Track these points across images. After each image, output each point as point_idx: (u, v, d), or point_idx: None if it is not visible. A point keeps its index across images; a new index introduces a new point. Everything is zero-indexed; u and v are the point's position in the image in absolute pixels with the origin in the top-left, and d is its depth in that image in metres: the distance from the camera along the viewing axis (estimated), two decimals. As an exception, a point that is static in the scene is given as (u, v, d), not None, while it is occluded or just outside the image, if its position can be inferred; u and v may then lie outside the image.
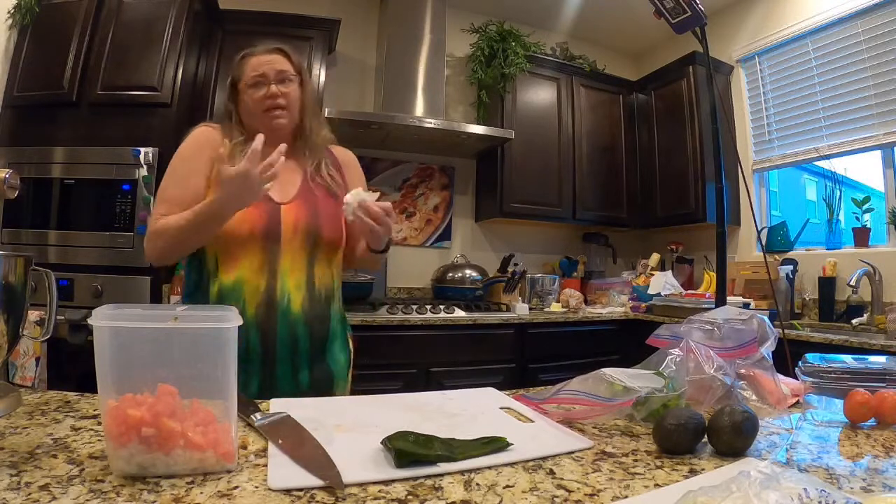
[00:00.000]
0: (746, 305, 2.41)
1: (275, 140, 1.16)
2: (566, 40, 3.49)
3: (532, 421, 0.74)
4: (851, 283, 2.25)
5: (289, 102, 1.14)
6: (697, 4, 1.35)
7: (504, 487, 0.52)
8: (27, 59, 2.17)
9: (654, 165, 3.27)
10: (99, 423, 0.64)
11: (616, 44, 3.72)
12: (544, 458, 0.60)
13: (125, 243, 2.04)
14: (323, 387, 1.08)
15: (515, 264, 2.94)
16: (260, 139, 0.92)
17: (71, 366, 1.68)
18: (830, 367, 0.97)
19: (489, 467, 0.57)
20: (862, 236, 2.49)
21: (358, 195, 1.01)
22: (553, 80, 3.22)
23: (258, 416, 0.68)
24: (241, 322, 0.55)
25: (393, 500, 0.48)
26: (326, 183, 1.16)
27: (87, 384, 0.75)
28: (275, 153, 0.94)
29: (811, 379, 0.96)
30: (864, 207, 2.50)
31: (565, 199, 3.16)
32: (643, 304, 2.87)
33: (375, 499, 0.48)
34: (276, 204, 1.08)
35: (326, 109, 2.50)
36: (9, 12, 2.17)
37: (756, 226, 2.09)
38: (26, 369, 1.67)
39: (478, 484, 0.53)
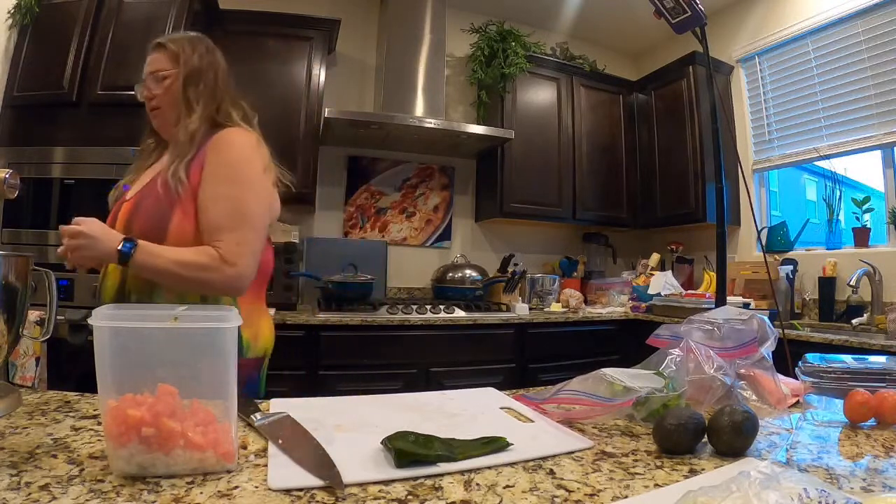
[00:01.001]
0: (746, 305, 2.41)
1: (168, 139, 1.14)
2: (566, 40, 3.49)
3: (532, 421, 0.74)
4: (851, 283, 2.25)
5: (159, 103, 1.11)
6: (697, 4, 1.35)
7: (504, 487, 0.52)
8: (27, 59, 2.17)
9: (654, 165, 3.27)
10: (99, 423, 0.64)
11: (616, 44, 3.72)
12: (544, 458, 0.60)
13: (125, 243, 2.04)
14: None
15: (515, 264, 2.94)
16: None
17: (71, 366, 1.68)
18: (830, 367, 0.97)
19: (489, 467, 0.57)
20: (862, 236, 2.49)
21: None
22: (553, 80, 3.22)
23: (258, 416, 0.68)
24: (241, 322, 0.55)
25: (393, 500, 0.48)
26: (167, 177, 1.03)
27: (87, 384, 0.75)
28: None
29: (811, 379, 0.96)
30: (864, 207, 2.50)
31: (565, 199, 3.16)
32: (643, 304, 2.87)
33: (375, 499, 0.48)
34: (121, 202, 1.09)
35: (326, 109, 2.50)
36: (9, 12, 2.17)
37: (756, 226, 2.09)
38: (26, 369, 1.67)
39: (478, 484, 0.53)
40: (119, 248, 0.93)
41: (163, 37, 1.15)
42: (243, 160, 1.06)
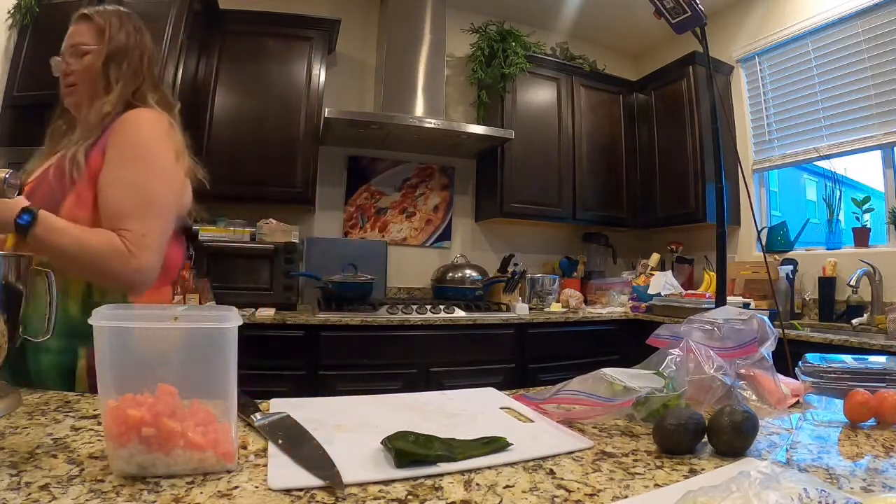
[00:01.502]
0: (746, 305, 2.41)
1: (79, 120, 1.05)
2: (566, 40, 3.49)
3: (532, 421, 0.74)
4: (851, 283, 2.25)
5: (76, 79, 1.03)
6: (697, 4, 1.35)
7: (504, 487, 0.52)
8: (27, 59, 2.16)
9: (654, 165, 3.27)
10: (99, 423, 0.64)
11: (616, 44, 3.72)
12: (544, 458, 0.60)
13: (125, 243, 2.04)
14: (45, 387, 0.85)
15: (515, 264, 2.94)
16: None
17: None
18: (830, 367, 0.97)
19: (489, 467, 0.57)
20: (862, 236, 2.49)
21: None
22: (553, 80, 3.22)
23: (258, 416, 0.68)
24: (241, 322, 0.55)
25: (393, 500, 0.48)
26: (63, 162, 0.95)
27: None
28: None
29: (811, 379, 0.96)
30: (864, 207, 2.50)
31: (565, 199, 3.16)
32: (643, 304, 2.87)
33: (375, 499, 0.48)
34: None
35: (326, 109, 2.50)
36: (9, 12, 2.17)
37: (756, 226, 2.09)
38: (26, 369, 1.66)
39: (478, 484, 0.53)
40: (16, 219, 0.83)
41: (89, 8, 1.06)
42: (152, 141, 0.97)
